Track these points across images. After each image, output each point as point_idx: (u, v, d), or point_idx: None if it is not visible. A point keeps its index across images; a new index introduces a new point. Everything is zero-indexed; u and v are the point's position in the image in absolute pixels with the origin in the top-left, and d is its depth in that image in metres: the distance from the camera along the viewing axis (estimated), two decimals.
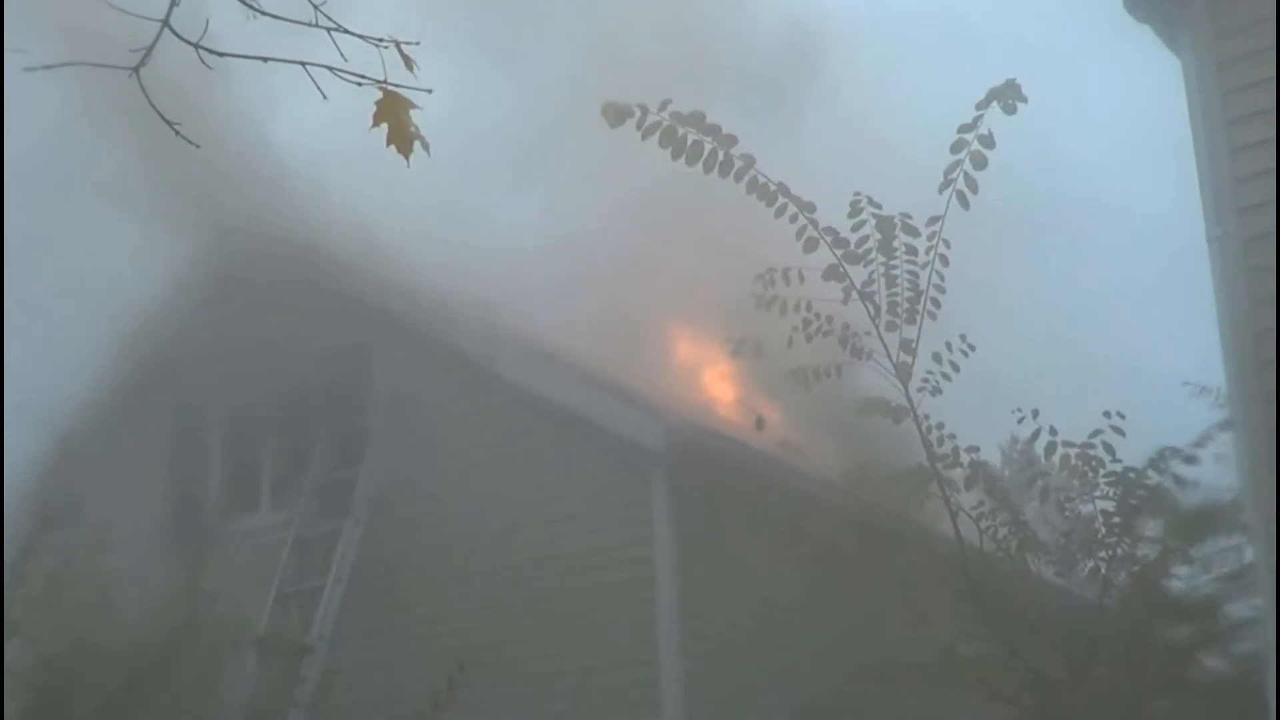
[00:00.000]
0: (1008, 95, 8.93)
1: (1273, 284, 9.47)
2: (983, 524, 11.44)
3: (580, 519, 14.88)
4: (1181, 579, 12.46)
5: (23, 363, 16.14)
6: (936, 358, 10.02)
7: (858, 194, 9.52)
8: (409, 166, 4.35)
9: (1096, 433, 11.26)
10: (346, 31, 4.41)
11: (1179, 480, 12.13)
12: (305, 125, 12.80)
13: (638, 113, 8.83)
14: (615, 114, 8.77)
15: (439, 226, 16.10)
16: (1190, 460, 12.09)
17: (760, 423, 10.21)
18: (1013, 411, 11.36)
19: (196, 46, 4.46)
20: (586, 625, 14.46)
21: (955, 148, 9.11)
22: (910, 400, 9.96)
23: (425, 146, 4.31)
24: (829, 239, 9.35)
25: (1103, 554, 12.04)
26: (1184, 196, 10.96)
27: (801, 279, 9.59)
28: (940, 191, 9.20)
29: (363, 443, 16.44)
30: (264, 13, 4.41)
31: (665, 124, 8.90)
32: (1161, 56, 11.13)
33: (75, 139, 15.42)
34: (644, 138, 8.86)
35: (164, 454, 18.24)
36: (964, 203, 9.16)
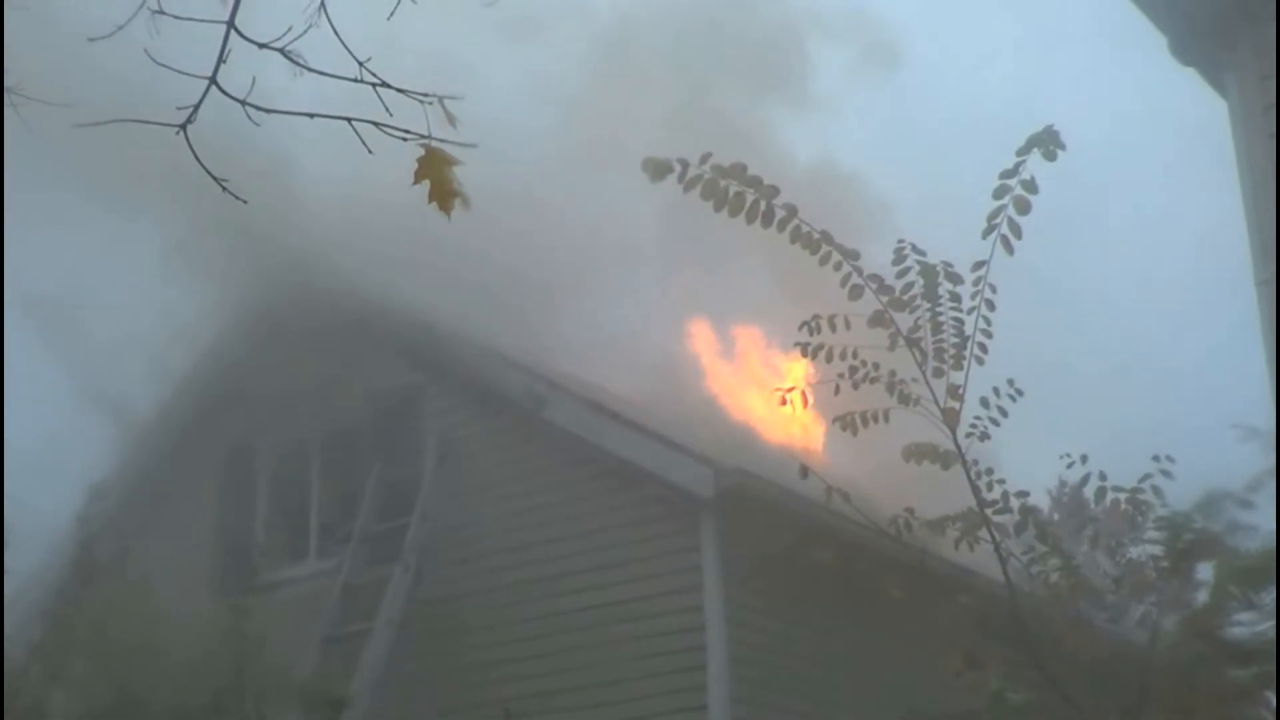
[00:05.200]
0: (1047, 142, 8.92)
1: None
2: (1034, 569, 11.40)
3: (629, 565, 14.91)
4: (1242, 624, 12.38)
5: (69, 408, 16.32)
6: (984, 403, 9.98)
7: (901, 241, 9.53)
8: (450, 222, 4.39)
9: (1146, 477, 11.20)
10: (391, 87, 4.47)
11: (1232, 525, 12.06)
12: (351, 175, 12.92)
13: (678, 167, 8.86)
14: (656, 170, 8.80)
15: (486, 274, 16.19)
16: (1245, 505, 12.02)
17: (804, 470, 10.15)
18: (1061, 456, 11.32)
19: (244, 103, 4.52)
20: (635, 673, 14.46)
21: (998, 193, 9.11)
22: (958, 446, 9.92)
23: (466, 203, 4.35)
24: (874, 286, 9.36)
25: (1153, 598, 11.98)
26: (1232, 239, 10.96)
27: (848, 325, 9.59)
28: (984, 237, 9.19)
29: (412, 490, 16.49)
30: (310, 69, 4.46)
31: (707, 177, 8.93)
32: (1208, 100, 11.16)
33: (123, 189, 15.60)
34: (685, 191, 8.90)
35: (212, 501, 18.35)
36: (1008, 248, 9.14)
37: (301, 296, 16.92)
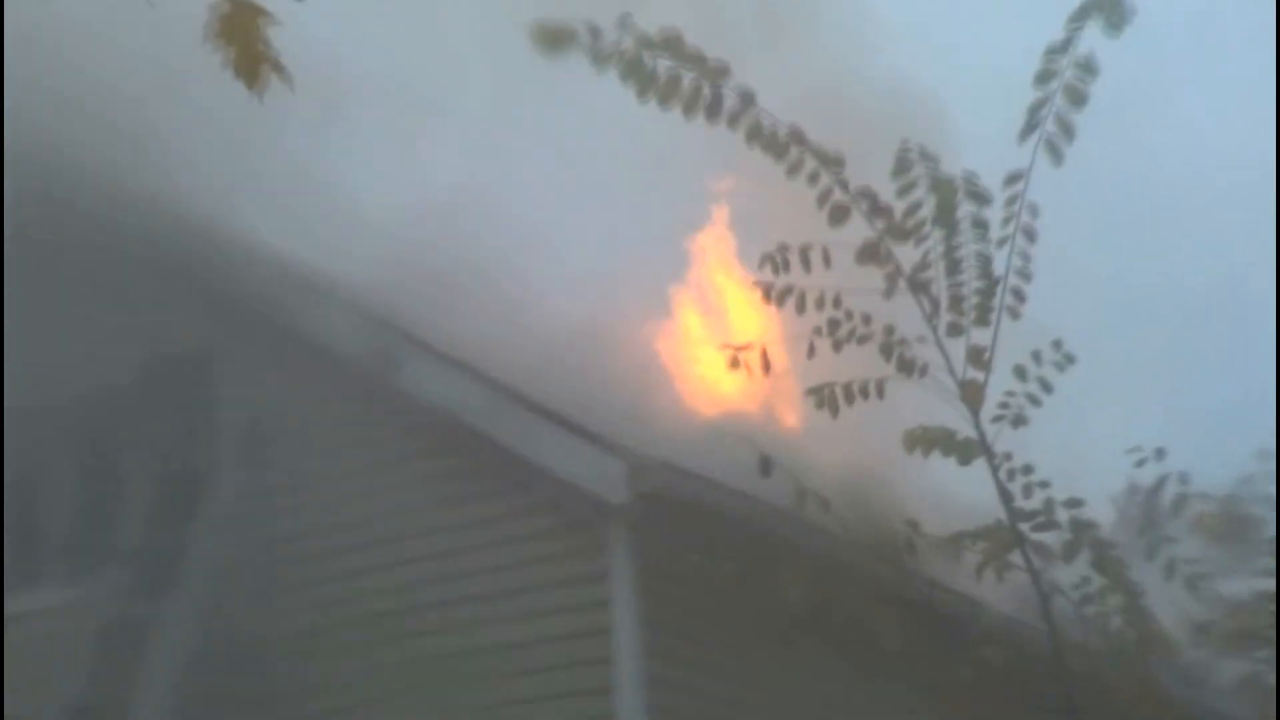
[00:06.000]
0: (1109, 8, 8.91)
1: None
2: (1087, 609, 11.49)
3: (513, 598, 14.91)
4: None
5: None
6: (1020, 373, 10.03)
7: (905, 144, 9.50)
8: (260, 100, 4.39)
9: (1247, 479, 11.31)
10: None
11: None
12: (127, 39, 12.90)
13: (586, 36, 8.78)
14: (551, 39, 8.70)
15: (311, 186, 16.12)
16: None
17: (766, 464, 10.17)
18: (1128, 451, 11.40)
19: None
20: None
21: (1041, 78, 9.10)
22: (982, 432, 9.96)
23: (284, 78, 4.35)
24: (864, 206, 9.37)
25: (1262, 654, 12.09)
26: None
27: (827, 261, 9.58)
28: (1021, 139, 9.17)
29: (199, 486, 16.44)
30: None
31: (627, 52, 8.87)
32: None
33: None
34: (598, 69, 8.84)
35: None
36: (1055, 156, 9.16)
37: (48, 205, 16.81)
